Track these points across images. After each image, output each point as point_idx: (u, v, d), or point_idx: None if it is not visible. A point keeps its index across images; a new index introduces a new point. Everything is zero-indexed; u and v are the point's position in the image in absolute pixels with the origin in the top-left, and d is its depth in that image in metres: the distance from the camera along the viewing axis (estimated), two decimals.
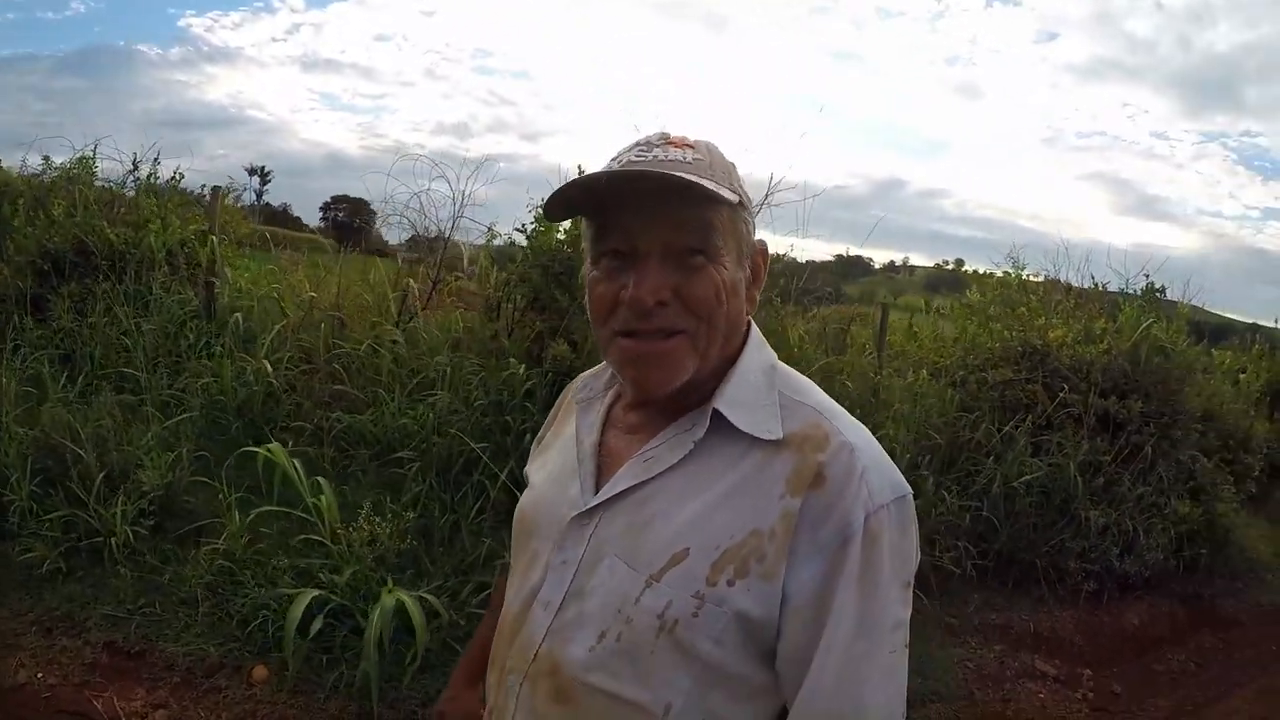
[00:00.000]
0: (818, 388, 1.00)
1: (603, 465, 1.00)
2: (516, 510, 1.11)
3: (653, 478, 0.93)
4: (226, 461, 3.76)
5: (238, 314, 4.94)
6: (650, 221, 0.89)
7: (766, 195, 4.74)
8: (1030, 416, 4.96)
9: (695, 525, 0.89)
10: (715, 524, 0.88)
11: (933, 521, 4.25)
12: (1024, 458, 4.78)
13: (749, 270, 0.97)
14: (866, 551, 0.85)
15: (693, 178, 0.85)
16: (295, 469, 3.51)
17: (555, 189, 0.92)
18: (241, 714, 2.91)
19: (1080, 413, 4.97)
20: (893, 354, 5.79)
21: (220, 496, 3.57)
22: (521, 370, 3.92)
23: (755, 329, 1.00)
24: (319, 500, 3.44)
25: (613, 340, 0.93)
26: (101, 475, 3.56)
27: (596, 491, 0.97)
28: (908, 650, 0.90)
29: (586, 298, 0.96)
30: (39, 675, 2.92)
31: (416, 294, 4.97)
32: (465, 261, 5.06)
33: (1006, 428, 4.91)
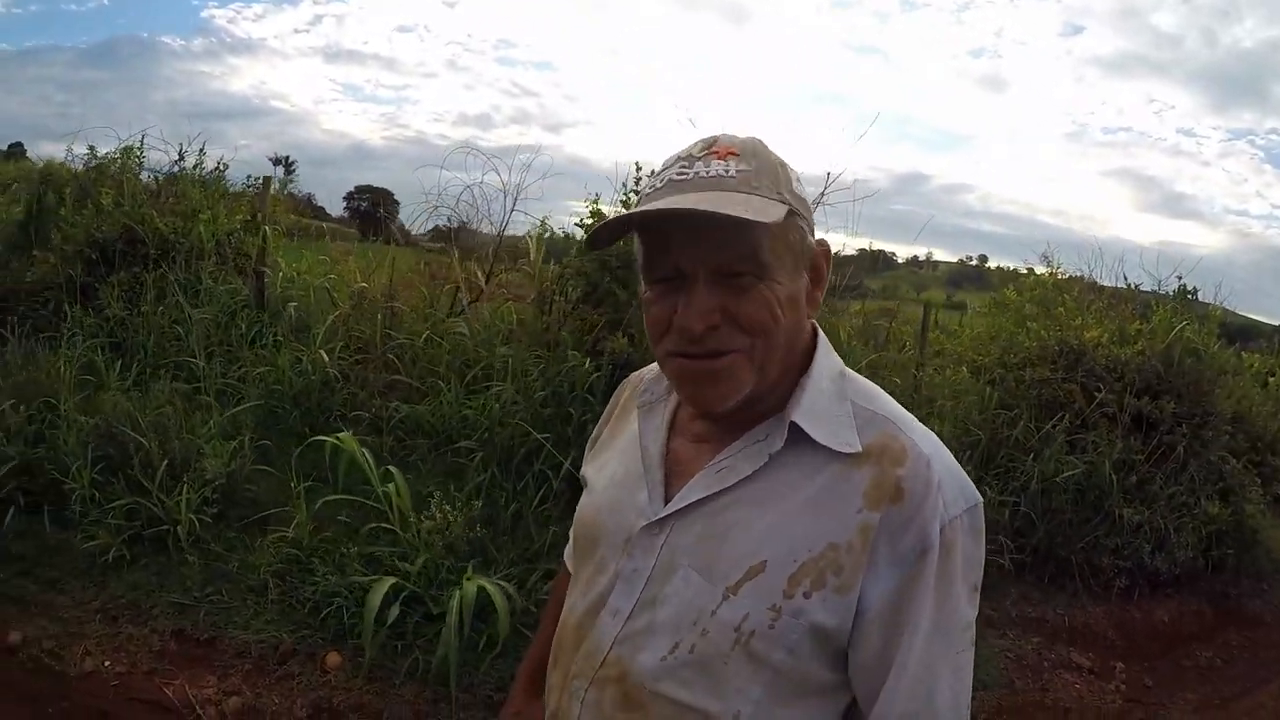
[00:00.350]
0: (886, 394, 1.00)
1: (670, 473, 1.00)
2: (577, 515, 1.11)
3: (727, 489, 0.93)
4: (288, 450, 3.91)
5: (292, 304, 5.11)
6: (695, 244, 0.88)
7: (822, 193, 4.86)
8: (1067, 415, 5.10)
9: (772, 538, 0.90)
10: (793, 537, 0.89)
11: None
12: (1061, 455, 4.93)
13: (808, 276, 0.95)
14: (943, 562, 0.88)
15: (730, 208, 0.83)
16: (365, 458, 3.62)
17: (599, 225, 0.94)
18: (317, 700, 2.97)
19: (1115, 412, 5.12)
20: (933, 351, 5.94)
21: (291, 484, 3.67)
22: (586, 363, 4.04)
23: (822, 335, 1.00)
24: (389, 489, 3.55)
25: (668, 358, 0.94)
26: (164, 464, 3.62)
27: (666, 500, 0.97)
28: (973, 647, 0.94)
29: (644, 315, 0.97)
30: (106, 663, 2.97)
31: (483, 283, 5.13)
32: (531, 254, 5.18)
33: (1046, 427, 5.07)
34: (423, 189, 5.48)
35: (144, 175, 6.04)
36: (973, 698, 2.53)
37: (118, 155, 6.04)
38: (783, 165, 0.94)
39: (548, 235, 5.33)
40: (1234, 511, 5.17)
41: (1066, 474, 4.83)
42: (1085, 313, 5.80)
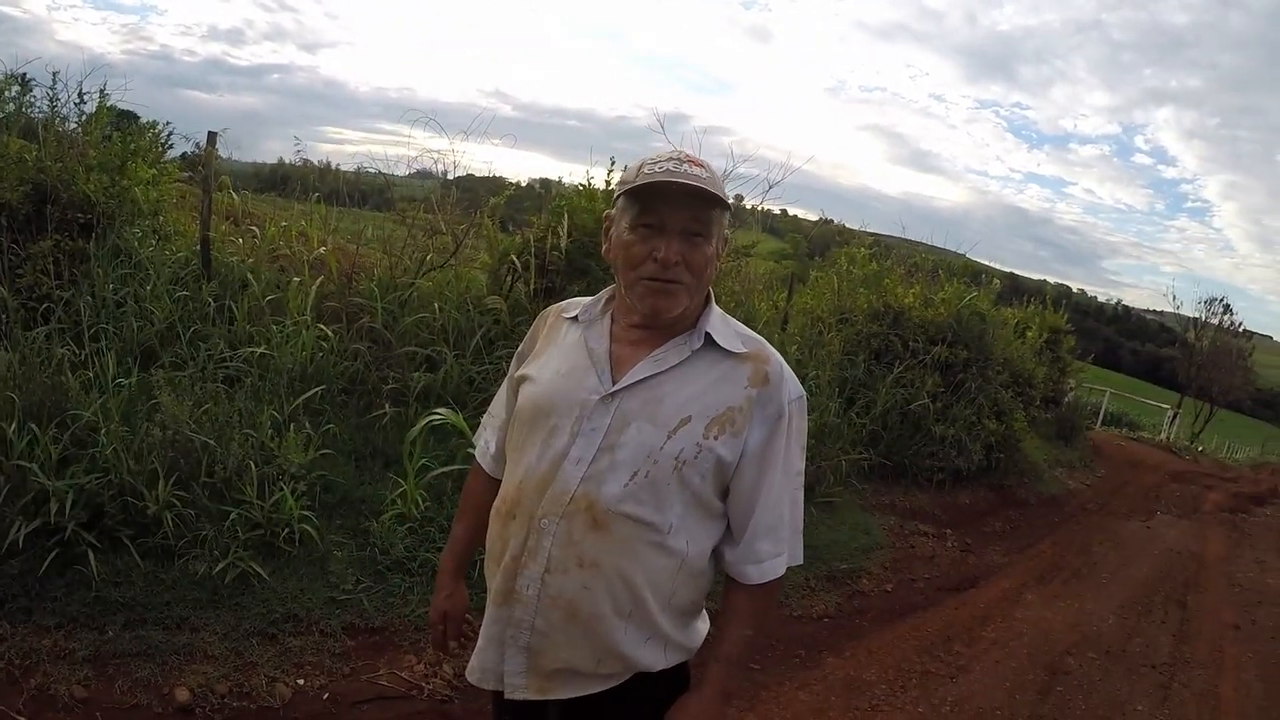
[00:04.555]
0: (745, 325, 1.55)
1: (614, 365, 1.45)
2: (527, 400, 1.51)
3: (662, 372, 1.42)
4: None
5: (249, 272, 5.10)
6: (678, 212, 1.39)
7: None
8: (895, 360, 7.36)
9: (694, 401, 1.40)
10: (706, 400, 1.40)
11: (847, 434, 6.42)
12: (891, 389, 7.17)
13: (720, 249, 1.48)
14: (789, 426, 1.45)
15: (710, 190, 1.38)
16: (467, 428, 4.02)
17: (639, 183, 1.39)
18: None
19: (925, 358, 7.44)
20: (794, 311, 7.97)
21: (352, 465, 4.16)
22: None
23: (710, 289, 1.52)
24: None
25: (638, 281, 1.42)
26: (250, 465, 3.60)
27: (614, 382, 1.43)
28: (803, 489, 1.53)
29: (619, 251, 1.45)
30: (300, 682, 3.02)
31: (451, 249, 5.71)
32: (488, 227, 5.88)
33: (897, 372, 7.30)
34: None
35: (66, 123, 5.24)
36: (875, 554, 4.67)
37: None
38: (722, 177, 1.51)
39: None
40: (1006, 427, 7.78)
41: (918, 403, 7.14)
42: (901, 284, 8.12)
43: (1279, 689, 4.58)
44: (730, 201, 1.46)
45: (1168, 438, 18.90)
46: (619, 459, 1.37)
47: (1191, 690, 4.34)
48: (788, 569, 1.51)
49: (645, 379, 1.41)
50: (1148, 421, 22.94)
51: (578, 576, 1.37)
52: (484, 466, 1.72)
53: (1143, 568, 6.57)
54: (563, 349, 1.52)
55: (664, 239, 1.38)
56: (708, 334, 1.44)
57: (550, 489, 1.39)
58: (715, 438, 1.38)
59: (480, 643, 1.49)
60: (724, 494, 1.44)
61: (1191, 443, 20.29)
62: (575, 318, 1.55)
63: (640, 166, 1.43)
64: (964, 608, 4.99)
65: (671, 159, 1.41)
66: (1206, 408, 24.41)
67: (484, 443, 1.73)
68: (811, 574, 4.97)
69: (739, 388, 1.42)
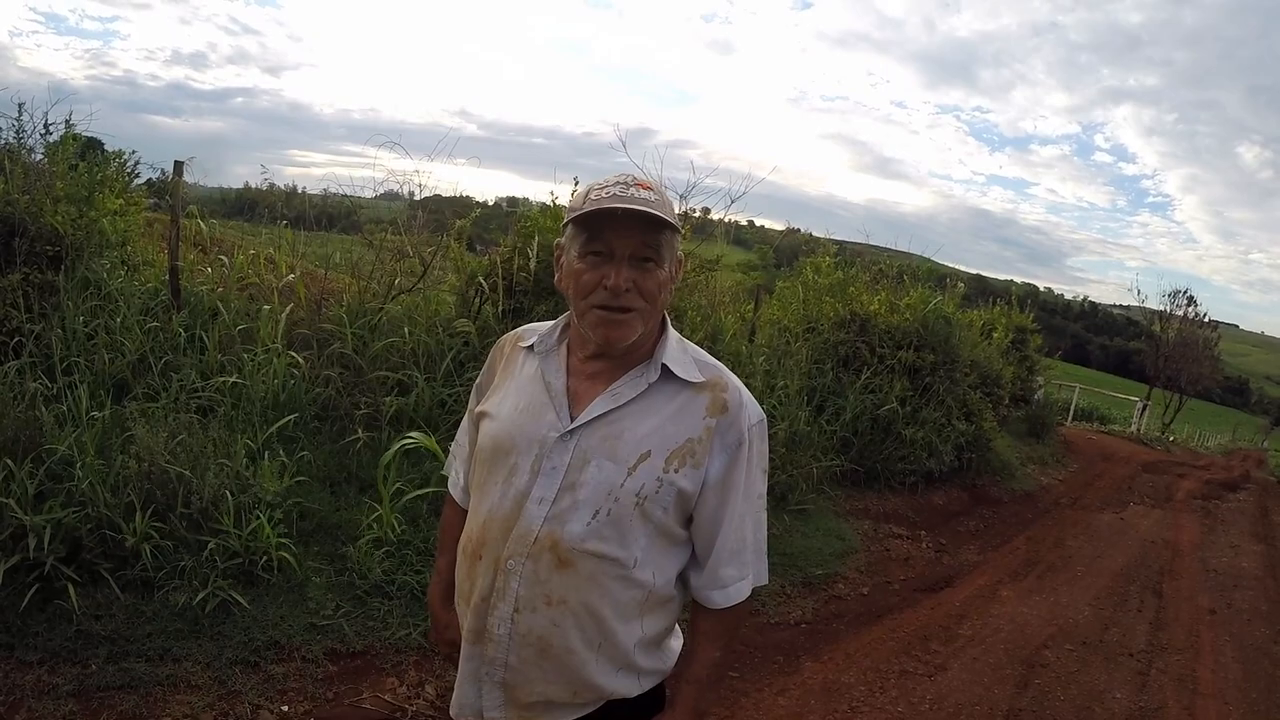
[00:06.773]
0: (704, 350, 1.54)
1: (571, 400, 1.43)
2: (488, 438, 1.49)
3: (619, 406, 1.40)
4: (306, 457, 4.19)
5: (221, 301, 5.09)
6: (626, 237, 1.35)
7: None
8: (863, 367, 7.45)
9: (653, 435, 1.38)
10: (665, 434, 1.39)
11: (818, 442, 6.47)
12: (860, 395, 7.23)
13: (674, 272, 1.44)
14: (749, 451, 1.43)
15: (657, 213, 1.34)
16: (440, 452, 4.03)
17: (585, 210, 1.36)
18: None
19: (893, 364, 7.54)
20: (761, 322, 8.00)
21: (329, 491, 4.13)
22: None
23: (666, 313, 1.49)
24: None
25: (589, 310, 1.39)
26: (226, 495, 3.59)
27: (572, 418, 1.41)
28: (765, 510, 1.53)
29: (569, 280, 1.42)
30: (285, 709, 3.02)
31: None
32: (452, 248, 5.79)
33: (860, 379, 7.34)
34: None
35: (32, 154, 5.05)
36: (850, 558, 4.74)
37: None
38: (671, 200, 1.47)
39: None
40: (975, 428, 7.87)
41: (886, 408, 7.20)
42: (867, 291, 8.21)
43: (1256, 670, 4.65)
44: (679, 224, 1.42)
45: (1138, 429, 19.14)
46: (581, 498, 1.36)
47: (1169, 675, 4.40)
48: (754, 588, 1.52)
49: (603, 414, 1.39)
50: (1118, 414, 23.21)
51: (546, 614, 1.37)
52: (456, 499, 1.72)
53: (1117, 558, 6.67)
54: (520, 383, 1.50)
55: (613, 266, 1.36)
56: (664, 365, 1.42)
57: (514, 529, 1.38)
58: (676, 470, 1.37)
59: (458, 680, 1.49)
60: (687, 522, 1.44)
61: (1162, 433, 20.52)
62: (531, 347, 1.52)
63: (587, 192, 1.40)
64: (940, 607, 5.02)
65: (618, 183, 1.38)
66: (1176, 398, 24.71)
67: (454, 474, 1.73)
68: (788, 581, 4.99)
69: (698, 418, 1.40)
